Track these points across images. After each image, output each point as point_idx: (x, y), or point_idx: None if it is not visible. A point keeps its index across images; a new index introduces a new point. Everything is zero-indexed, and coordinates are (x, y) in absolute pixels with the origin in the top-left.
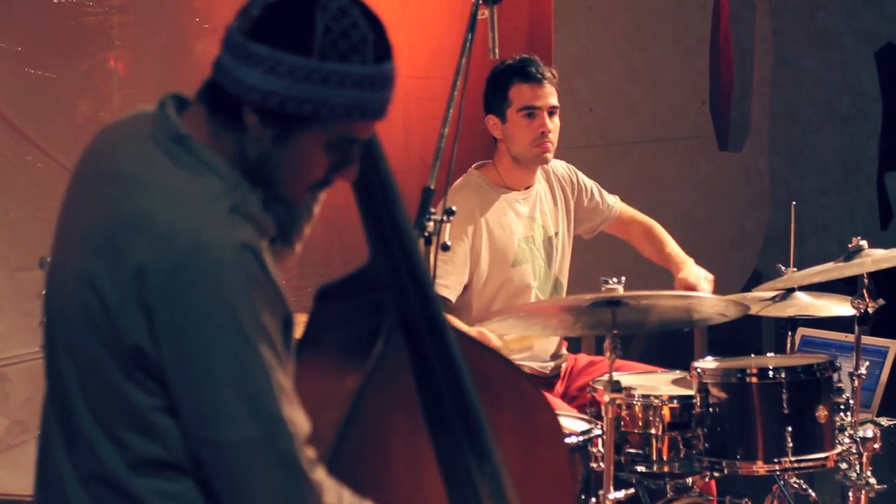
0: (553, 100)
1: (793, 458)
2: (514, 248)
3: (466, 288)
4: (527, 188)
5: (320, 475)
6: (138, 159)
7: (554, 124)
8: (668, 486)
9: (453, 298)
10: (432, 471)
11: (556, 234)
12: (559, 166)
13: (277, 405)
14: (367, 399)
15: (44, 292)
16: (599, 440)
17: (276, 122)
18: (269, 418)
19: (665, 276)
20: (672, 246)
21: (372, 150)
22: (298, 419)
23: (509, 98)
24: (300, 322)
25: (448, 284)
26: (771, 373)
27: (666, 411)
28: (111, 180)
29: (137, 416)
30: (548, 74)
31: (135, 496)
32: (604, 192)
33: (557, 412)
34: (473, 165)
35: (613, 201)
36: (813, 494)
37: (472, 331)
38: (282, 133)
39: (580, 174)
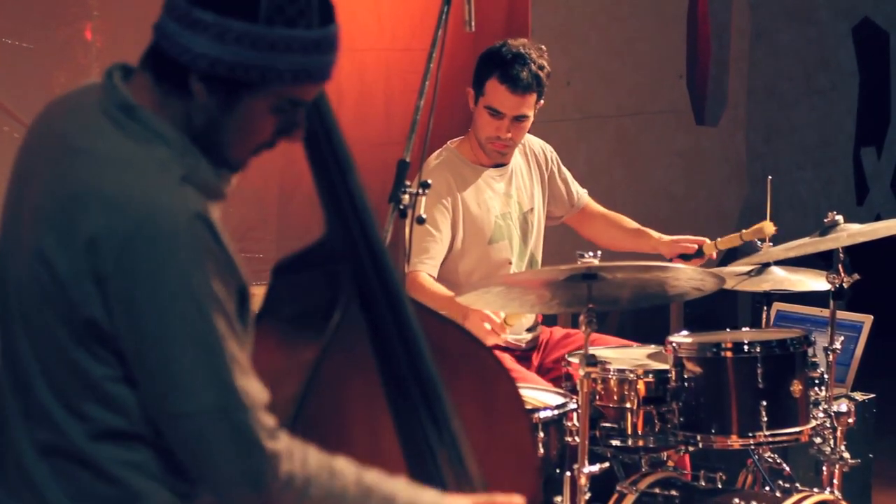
0: (526, 110)
1: (767, 433)
2: (490, 225)
3: (443, 263)
4: (501, 165)
5: (279, 444)
6: (86, 131)
7: (519, 128)
8: (642, 461)
9: (436, 273)
10: (391, 440)
11: (532, 209)
12: (536, 142)
13: (231, 375)
14: (324, 370)
15: None
16: (574, 414)
17: (223, 89)
18: (224, 388)
19: (639, 255)
20: (640, 226)
21: (325, 119)
22: (254, 388)
23: (484, 89)
24: (259, 295)
25: (436, 263)
26: (746, 347)
27: (641, 385)
28: (60, 153)
29: (95, 387)
30: (530, 80)
31: (96, 465)
32: (574, 181)
33: (534, 386)
34: (449, 141)
35: (583, 192)
36: (787, 468)
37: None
38: (229, 99)
39: (555, 154)
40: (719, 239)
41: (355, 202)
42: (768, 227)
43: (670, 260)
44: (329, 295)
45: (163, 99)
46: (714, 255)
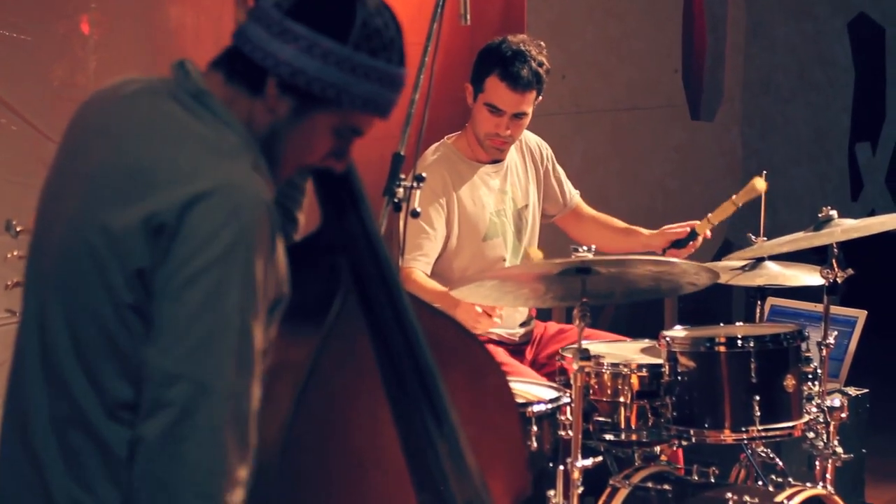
0: (525, 107)
1: (760, 427)
2: (485, 222)
3: (437, 260)
4: (496, 161)
5: (241, 472)
6: (154, 112)
7: (518, 125)
8: (636, 455)
9: (429, 271)
10: (391, 434)
11: (527, 206)
12: (532, 139)
13: (232, 363)
14: (323, 362)
15: (15, 253)
16: (568, 408)
17: (297, 98)
18: (211, 370)
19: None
20: (629, 225)
21: None
22: (246, 394)
23: (484, 85)
24: None
25: (429, 260)
26: (739, 342)
27: (634, 380)
28: (122, 130)
29: (122, 360)
30: (531, 78)
31: (106, 443)
32: (568, 181)
33: (527, 379)
34: (446, 136)
35: (575, 192)
36: (780, 463)
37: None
38: (299, 109)
39: (550, 152)
40: (710, 214)
41: (354, 193)
42: (759, 182)
43: (664, 251)
44: (327, 287)
45: (233, 96)
46: (709, 234)
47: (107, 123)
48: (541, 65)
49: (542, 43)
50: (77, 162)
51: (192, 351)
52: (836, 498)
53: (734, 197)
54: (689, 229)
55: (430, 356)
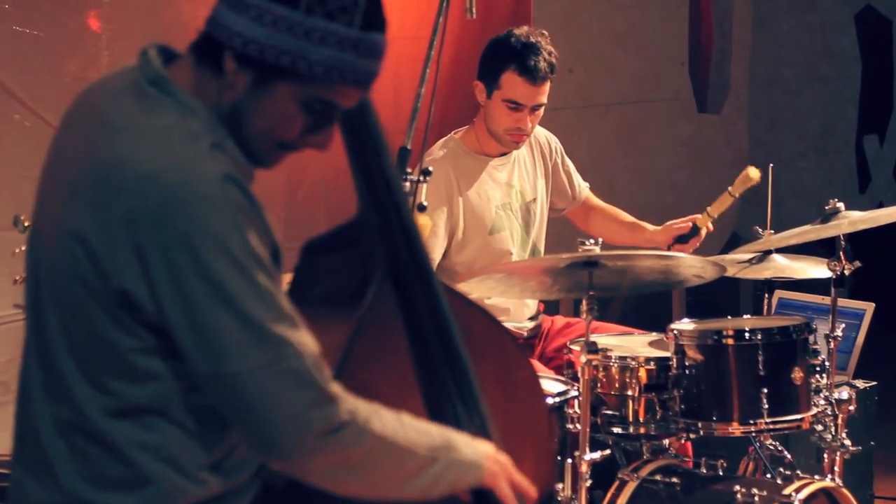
0: (543, 98)
1: (768, 420)
2: (491, 215)
3: (445, 255)
4: (504, 154)
5: (336, 386)
6: (120, 107)
7: (536, 117)
8: (644, 448)
9: (433, 268)
10: (421, 419)
11: (534, 199)
12: (541, 133)
13: (280, 328)
14: (356, 349)
15: (23, 248)
16: (576, 401)
17: (254, 70)
18: (275, 341)
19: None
20: (635, 220)
21: (361, 103)
22: (305, 339)
23: (500, 82)
24: (285, 281)
25: (433, 257)
26: (747, 334)
27: (642, 373)
28: (94, 131)
29: (121, 360)
30: (547, 70)
31: (111, 444)
32: (577, 174)
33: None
34: (454, 131)
35: (585, 185)
36: (788, 456)
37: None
38: (258, 81)
39: (559, 145)
40: (709, 207)
41: (389, 182)
42: (753, 171)
43: (668, 247)
44: (361, 274)
45: (200, 79)
46: (710, 227)
47: (84, 127)
48: (550, 53)
49: (545, 31)
50: (60, 168)
51: (244, 344)
52: (845, 490)
53: (730, 188)
54: (691, 224)
55: (461, 345)
